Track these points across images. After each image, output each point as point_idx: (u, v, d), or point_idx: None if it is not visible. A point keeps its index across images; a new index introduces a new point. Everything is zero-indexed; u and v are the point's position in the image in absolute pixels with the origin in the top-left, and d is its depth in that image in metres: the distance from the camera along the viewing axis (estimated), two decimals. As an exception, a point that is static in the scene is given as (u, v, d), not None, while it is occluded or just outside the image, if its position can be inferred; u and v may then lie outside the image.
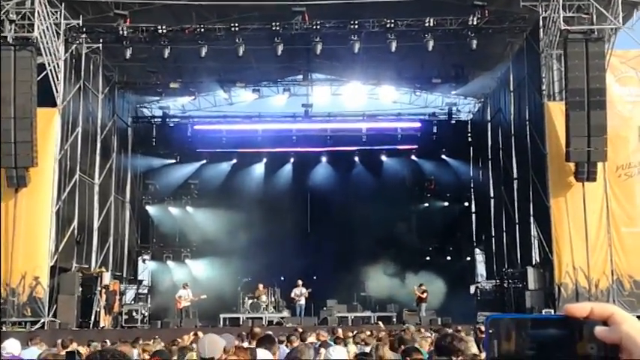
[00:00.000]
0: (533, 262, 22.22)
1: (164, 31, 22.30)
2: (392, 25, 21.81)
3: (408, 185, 31.21)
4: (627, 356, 0.91)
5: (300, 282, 23.76)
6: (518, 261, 24.04)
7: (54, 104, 21.29)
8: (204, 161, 31.10)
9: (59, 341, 12.20)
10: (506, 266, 25.23)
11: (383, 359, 6.42)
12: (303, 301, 23.58)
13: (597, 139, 19.14)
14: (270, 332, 9.11)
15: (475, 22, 21.68)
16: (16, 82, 19.75)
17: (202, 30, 22.41)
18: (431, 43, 22.06)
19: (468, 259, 31.21)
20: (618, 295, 19.92)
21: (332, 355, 4.99)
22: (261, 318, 22.88)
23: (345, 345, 7.92)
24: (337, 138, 31.44)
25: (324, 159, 31.21)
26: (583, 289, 19.85)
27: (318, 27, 22.07)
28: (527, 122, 23.06)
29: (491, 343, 0.97)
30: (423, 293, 23.28)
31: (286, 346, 9.61)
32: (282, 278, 24.48)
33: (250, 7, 22.28)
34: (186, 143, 31.35)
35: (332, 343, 9.59)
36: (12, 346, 6.66)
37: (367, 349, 8.89)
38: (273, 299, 23.95)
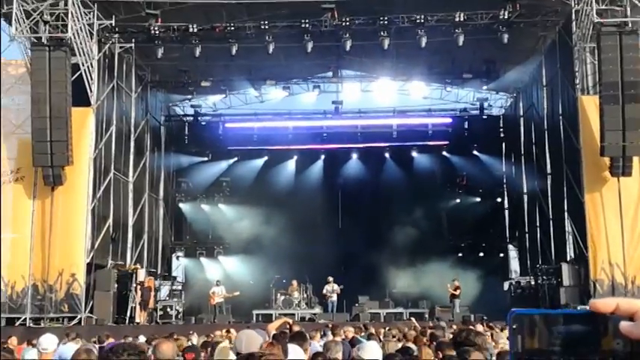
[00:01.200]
0: (568, 258, 21.94)
1: (195, 30, 22.50)
2: (422, 21, 21.70)
3: (439, 181, 31.03)
4: None
5: (331, 279, 23.79)
6: (553, 257, 23.76)
7: (88, 104, 21.63)
8: (236, 159, 31.31)
9: (94, 339, 12.43)
10: (540, 262, 24.95)
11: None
12: (335, 298, 23.62)
13: (632, 132, 18.82)
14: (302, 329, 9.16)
15: (506, 16, 21.46)
16: (51, 82, 20.11)
17: (232, 28, 22.55)
18: (461, 38, 21.88)
19: (501, 255, 30.93)
20: (655, 292, 19.58)
21: (364, 353, 5.01)
22: (294, 314, 22.96)
23: (380, 341, 7.93)
24: (368, 134, 31.38)
25: (354, 155, 31.19)
26: (619, 286, 19.54)
27: (348, 23, 22.05)
28: (561, 117, 22.76)
29: (515, 338, 0.97)
30: (456, 290, 23.16)
31: (322, 338, 9.65)
32: (307, 277, 24.46)
33: (280, 4, 22.34)
34: (217, 141, 31.59)
35: (362, 340, 9.61)
36: (48, 341, 6.80)
37: (399, 345, 8.90)
38: (305, 295, 24.03)
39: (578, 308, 18.89)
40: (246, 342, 5.15)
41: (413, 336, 9.51)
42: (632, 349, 0.92)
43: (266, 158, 31.23)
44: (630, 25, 19.35)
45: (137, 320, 22.33)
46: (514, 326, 0.98)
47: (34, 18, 20.56)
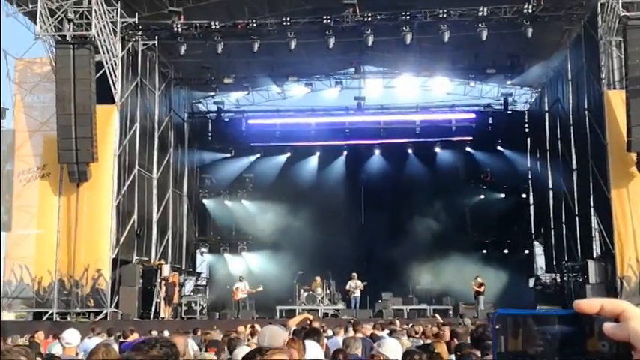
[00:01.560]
0: (594, 255, 21.67)
1: (217, 26, 22.59)
2: (444, 16, 21.54)
3: (463, 177, 30.80)
4: (636, 355, 0.88)
5: (355, 275, 23.77)
6: (579, 254, 23.49)
7: (112, 101, 21.83)
8: (259, 155, 31.40)
9: (118, 333, 12.54)
10: (566, 259, 24.68)
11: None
12: (358, 294, 23.59)
13: (660, 127, 18.53)
14: (316, 325, 9.17)
15: (530, 10, 21.22)
16: (76, 80, 20.34)
17: (255, 25, 22.60)
18: (485, 33, 21.68)
19: (526, 252, 30.65)
20: (683, 289, 19.26)
21: (384, 349, 5.00)
22: (317, 310, 22.99)
23: (398, 337, 7.91)
24: (390, 130, 31.25)
25: (377, 151, 31.09)
26: (646, 283, 19.27)
27: (370, 19, 21.97)
28: (587, 111, 22.46)
29: (498, 338, 0.95)
30: (480, 286, 23.00)
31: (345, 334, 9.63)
32: (330, 273, 24.46)
33: (301, 0, 22.34)
34: (240, 137, 31.71)
35: (385, 335, 9.58)
36: (71, 336, 6.87)
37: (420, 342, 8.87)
38: (328, 291, 24.04)
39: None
40: (269, 337, 5.15)
41: (433, 333, 9.46)
42: (618, 351, 0.90)
43: (288, 154, 31.26)
44: (657, 18, 19.03)
45: (162, 315, 22.53)
46: (497, 326, 0.96)
47: (59, 16, 20.80)
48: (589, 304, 0.92)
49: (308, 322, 9.28)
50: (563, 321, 0.93)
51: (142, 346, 2.97)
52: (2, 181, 21.41)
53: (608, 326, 0.90)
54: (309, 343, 5.69)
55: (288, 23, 22.35)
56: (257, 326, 12.58)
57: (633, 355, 0.89)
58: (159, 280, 22.89)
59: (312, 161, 31.30)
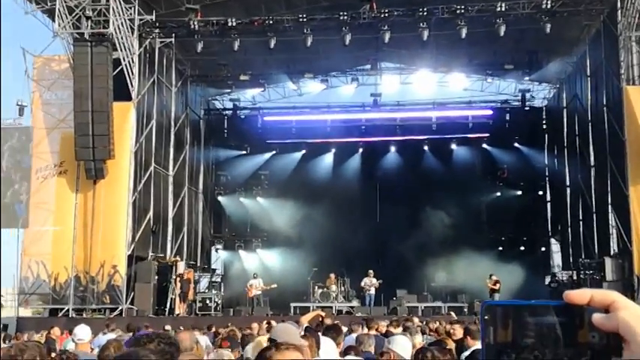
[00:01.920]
0: (612, 253, 21.47)
1: (234, 23, 22.61)
2: (462, 11, 21.41)
3: (480, 174, 30.61)
4: (627, 346, 0.86)
5: (371, 272, 23.71)
6: (596, 251, 23.27)
7: (129, 98, 21.94)
8: (274, 152, 31.42)
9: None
10: (582, 256, 24.46)
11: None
12: (373, 291, 23.54)
13: (680, 124, 18.28)
14: (337, 322, 9.14)
15: (549, 6, 21.02)
16: (93, 77, 20.47)
17: (271, 22, 22.59)
18: (502, 29, 21.50)
19: (543, 249, 30.42)
20: (703, 288, 19.01)
21: (394, 346, 4.96)
22: (331, 307, 22.96)
23: (411, 334, 7.86)
24: (406, 127, 31.12)
25: (393, 148, 30.98)
26: (665, 281, 19.04)
27: (386, 15, 21.88)
28: (605, 108, 22.22)
29: (487, 329, 0.93)
30: (495, 284, 22.86)
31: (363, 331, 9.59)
32: (345, 270, 24.41)
33: (318, -3, 22.32)
34: (256, 134, 31.74)
35: (398, 333, 9.52)
36: (82, 332, 6.89)
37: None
38: (342, 289, 24.00)
39: None
40: (282, 334, 5.12)
41: (445, 330, 9.40)
42: (608, 342, 0.88)
43: (304, 151, 31.25)
44: (678, 12, 18.76)
45: (177, 312, 22.62)
46: (486, 317, 0.93)
47: (77, 14, 20.92)
48: (579, 294, 0.90)
49: (320, 318, 9.25)
50: (553, 312, 0.91)
51: (141, 339, 2.95)
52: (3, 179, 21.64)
53: (597, 317, 0.88)
54: (325, 340, 5.66)
55: (305, 20, 22.32)
56: (273, 322, 12.58)
57: (623, 346, 0.87)
58: (174, 276, 22.98)
59: (328, 158, 31.26)
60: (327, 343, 5.63)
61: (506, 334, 0.92)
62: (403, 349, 4.86)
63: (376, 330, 9.46)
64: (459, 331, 8.75)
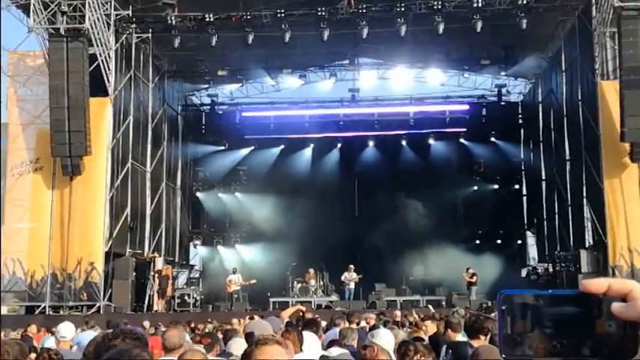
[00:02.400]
0: (587, 245, 21.78)
1: (211, 19, 22.49)
2: (439, 7, 21.51)
3: (457, 169, 30.85)
4: None
5: (351, 267, 23.80)
6: (571, 243, 23.59)
7: (106, 94, 21.75)
8: (253, 147, 31.35)
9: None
10: (558, 249, 24.78)
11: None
12: (352, 286, 23.63)
13: (653, 118, 18.57)
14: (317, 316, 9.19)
15: (525, 1, 21.20)
16: (69, 73, 20.26)
17: (249, 17, 22.51)
18: (479, 24, 21.65)
19: (519, 242, 30.76)
20: (676, 279, 19.37)
21: (377, 339, 5.01)
22: (310, 302, 23.02)
23: (392, 329, 7.93)
24: (384, 122, 31.26)
25: (371, 143, 31.09)
26: (638, 272, 19.37)
27: (364, 11, 21.91)
28: (580, 102, 22.50)
29: (505, 319, 0.94)
30: (472, 277, 23.08)
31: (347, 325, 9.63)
32: (324, 265, 24.47)
33: (296, -8, 22.28)
34: (234, 130, 31.64)
35: (380, 326, 9.60)
36: (66, 329, 6.87)
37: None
38: (321, 283, 24.07)
39: None
40: (256, 331, 5.15)
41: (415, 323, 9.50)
42: (625, 331, 0.89)
43: (282, 147, 31.22)
44: (651, 8, 19.04)
45: (155, 308, 22.53)
46: (503, 307, 0.95)
47: (52, 9, 20.67)
48: (596, 284, 0.91)
49: (301, 313, 9.29)
50: (570, 301, 0.93)
51: (107, 337, 2.95)
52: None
53: (617, 306, 0.89)
54: (308, 335, 5.69)
55: (283, 15, 22.27)
56: (256, 317, 12.58)
57: None
58: (152, 273, 22.87)
59: (306, 153, 31.28)
60: (310, 338, 5.67)
61: (523, 323, 0.93)
62: (386, 343, 4.91)
63: (366, 322, 9.54)
64: (430, 327, 8.85)
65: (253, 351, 3.24)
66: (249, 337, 5.03)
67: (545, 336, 0.92)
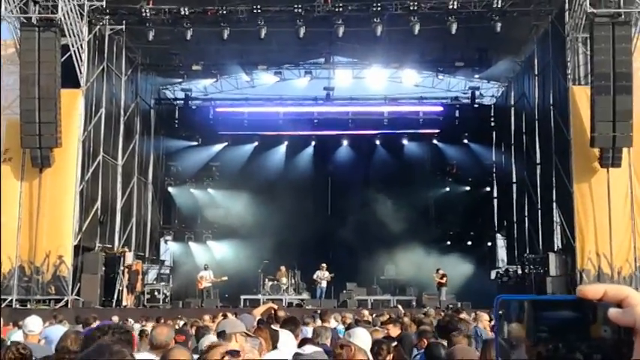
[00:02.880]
0: (555, 248, 22.07)
1: (187, 12, 22.31)
2: (415, 8, 21.60)
3: (430, 169, 31.06)
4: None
5: (324, 265, 23.83)
6: (540, 247, 23.88)
7: (77, 85, 21.46)
8: (226, 143, 31.19)
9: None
10: (527, 252, 25.08)
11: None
12: (324, 284, 23.68)
13: (623, 124, 18.88)
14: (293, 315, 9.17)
15: (499, 5, 21.40)
16: (40, 63, 19.92)
17: (224, 12, 22.37)
18: (454, 26, 21.80)
19: (489, 244, 31.06)
20: (641, 282, 19.72)
21: (354, 338, 5.01)
22: (281, 300, 23.00)
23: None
24: (359, 121, 31.33)
25: (345, 142, 31.14)
26: (605, 276, 19.67)
27: (341, 9, 21.93)
28: (552, 107, 22.79)
29: (502, 324, 0.95)
30: (442, 278, 23.24)
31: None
32: (295, 263, 24.47)
33: (273, -12, 22.20)
34: (208, 125, 31.44)
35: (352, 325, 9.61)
36: (33, 323, 6.77)
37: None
38: (293, 281, 24.06)
39: None
40: (228, 329, 5.11)
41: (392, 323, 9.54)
42: (620, 336, 0.90)
43: (256, 143, 31.12)
44: (623, 16, 19.34)
45: (124, 303, 22.31)
46: (500, 312, 0.96)
47: (24, -3, 20.31)
48: (593, 290, 0.92)
49: (273, 311, 9.27)
50: (566, 307, 0.93)
51: (96, 333, 2.91)
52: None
53: (613, 312, 0.90)
54: (284, 333, 5.68)
55: (259, 11, 22.18)
56: (229, 314, 12.52)
57: (634, 340, 0.89)
58: (122, 267, 22.64)
59: (280, 151, 31.22)
60: (286, 337, 5.65)
61: (520, 328, 0.94)
62: (363, 343, 4.91)
63: (342, 321, 9.54)
64: (393, 331, 8.87)
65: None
66: (220, 335, 4.98)
67: (540, 340, 0.93)
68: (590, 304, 0.92)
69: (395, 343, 6.85)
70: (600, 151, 19.68)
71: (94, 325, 10.67)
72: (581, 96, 20.29)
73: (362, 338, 4.93)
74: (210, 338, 6.56)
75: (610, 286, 0.92)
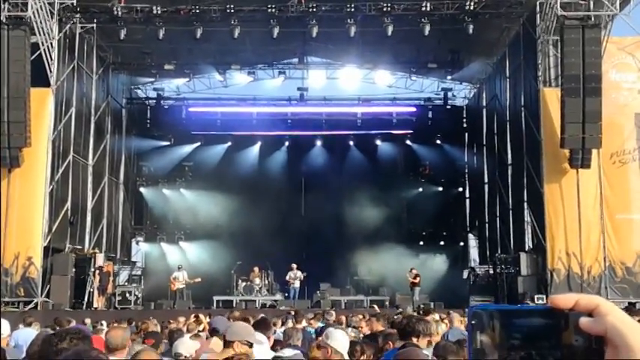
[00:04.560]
0: (526, 248, 22.31)
1: (159, 11, 22.11)
2: (388, 9, 21.68)
3: (403, 170, 31.20)
4: (612, 349, 0.90)
5: (294, 265, 23.80)
6: (512, 246, 24.14)
7: (47, 84, 21.16)
8: (199, 143, 30.98)
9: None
10: (499, 251, 25.32)
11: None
12: (297, 285, 23.66)
13: (592, 125, 19.16)
14: (263, 315, 9.11)
15: (472, 7, 21.57)
16: (9, 62, 19.61)
17: (197, 11, 22.22)
18: (427, 28, 21.93)
19: (462, 244, 31.30)
20: (610, 282, 20.04)
21: (331, 340, 4.99)
22: (255, 301, 22.93)
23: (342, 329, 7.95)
24: (332, 122, 31.35)
25: (318, 143, 31.14)
26: (575, 275, 19.96)
27: (315, 10, 21.91)
28: (523, 108, 23.04)
29: (474, 334, 0.96)
30: (415, 278, 23.35)
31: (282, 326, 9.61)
32: (269, 263, 24.42)
33: (246, -12, 22.11)
34: (180, 125, 31.19)
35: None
36: (1, 326, 6.64)
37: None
38: (266, 282, 23.99)
39: (536, 297, 19.16)
40: (234, 331, 5.04)
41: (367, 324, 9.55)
42: (591, 345, 0.92)
43: (229, 143, 30.97)
44: (593, 19, 19.62)
45: (95, 305, 22.05)
46: (473, 322, 0.96)
47: (-8, -5, 19.96)
48: (564, 299, 0.94)
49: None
50: (538, 315, 0.95)
51: (53, 339, 2.85)
52: None
53: (585, 321, 0.92)
54: (257, 335, 5.63)
55: (232, 11, 22.07)
56: (201, 316, 12.41)
57: (605, 349, 0.91)
58: (92, 269, 22.37)
59: (253, 151, 31.12)
60: (260, 339, 5.61)
61: (492, 336, 0.95)
62: (340, 344, 4.90)
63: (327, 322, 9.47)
64: (375, 325, 8.89)
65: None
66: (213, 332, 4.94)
67: (513, 347, 0.94)
68: (562, 313, 0.93)
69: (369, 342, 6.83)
70: (570, 152, 19.95)
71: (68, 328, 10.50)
72: (551, 98, 20.54)
73: (339, 340, 4.91)
74: (185, 342, 6.51)
75: (581, 296, 0.94)
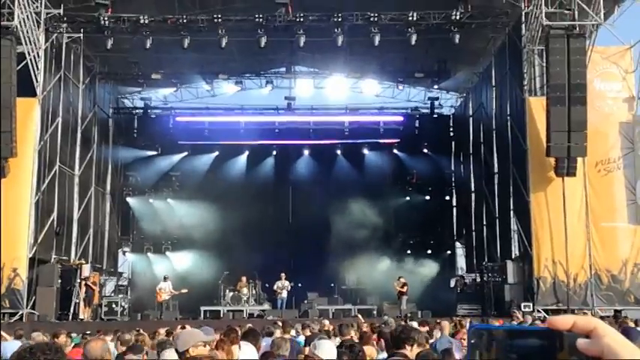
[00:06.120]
0: (513, 256, 22.41)
1: (146, 21, 22.09)
2: (375, 19, 21.80)
3: (390, 179, 31.27)
4: None
5: (283, 275, 23.75)
6: (498, 255, 24.23)
7: (34, 94, 21.06)
8: (186, 153, 30.91)
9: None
10: (486, 260, 25.41)
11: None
12: (285, 294, 23.59)
13: (577, 134, 19.30)
14: (251, 326, 9.10)
15: (458, 17, 21.73)
16: (-5, 71, 19.48)
17: (185, 21, 22.22)
18: (414, 37, 22.06)
19: (449, 252, 31.39)
20: (596, 290, 20.14)
21: (319, 351, 4.99)
22: (242, 311, 22.85)
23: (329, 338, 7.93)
24: (320, 131, 31.40)
25: (306, 152, 31.18)
26: (562, 283, 20.05)
27: (302, 19, 21.98)
28: (509, 117, 23.20)
29: (474, 352, 0.98)
30: (402, 287, 23.34)
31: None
32: (256, 273, 24.36)
33: (233, -2, 22.17)
34: (167, 135, 31.11)
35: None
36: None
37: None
38: (254, 292, 23.92)
39: (522, 305, 19.16)
40: (185, 339, 5.04)
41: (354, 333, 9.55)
42: None
43: (217, 153, 30.92)
44: (578, 28, 19.82)
45: (81, 317, 21.87)
46: (472, 341, 0.99)
47: (-22, 4, 19.87)
48: (562, 320, 0.96)
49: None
50: (535, 336, 0.97)
51: (23, 354, 2.82)
52: None
53: (582, 342, 0.94)
54: (245, 345, 5.63)
55: (220, 20, 22.09)
56: (188, 327, 12.33)
57: None
58: (78, 280, 22.20)
59: (241, 160, 31.09)
60: (247, 348, 5.60)
61: (490, 355, 0.97)
62: (328, 354, 4.90)
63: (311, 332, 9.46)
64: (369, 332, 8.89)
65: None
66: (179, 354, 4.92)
67: None
68: (560, 334, 0.95)
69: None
70: (556, 161, 20.07)
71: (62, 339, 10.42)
72: (537, 107, 20.69)
73: (327, 350, 4.91)
74: (171, 352, 6.47)
75: (579, 317, 0.96)
